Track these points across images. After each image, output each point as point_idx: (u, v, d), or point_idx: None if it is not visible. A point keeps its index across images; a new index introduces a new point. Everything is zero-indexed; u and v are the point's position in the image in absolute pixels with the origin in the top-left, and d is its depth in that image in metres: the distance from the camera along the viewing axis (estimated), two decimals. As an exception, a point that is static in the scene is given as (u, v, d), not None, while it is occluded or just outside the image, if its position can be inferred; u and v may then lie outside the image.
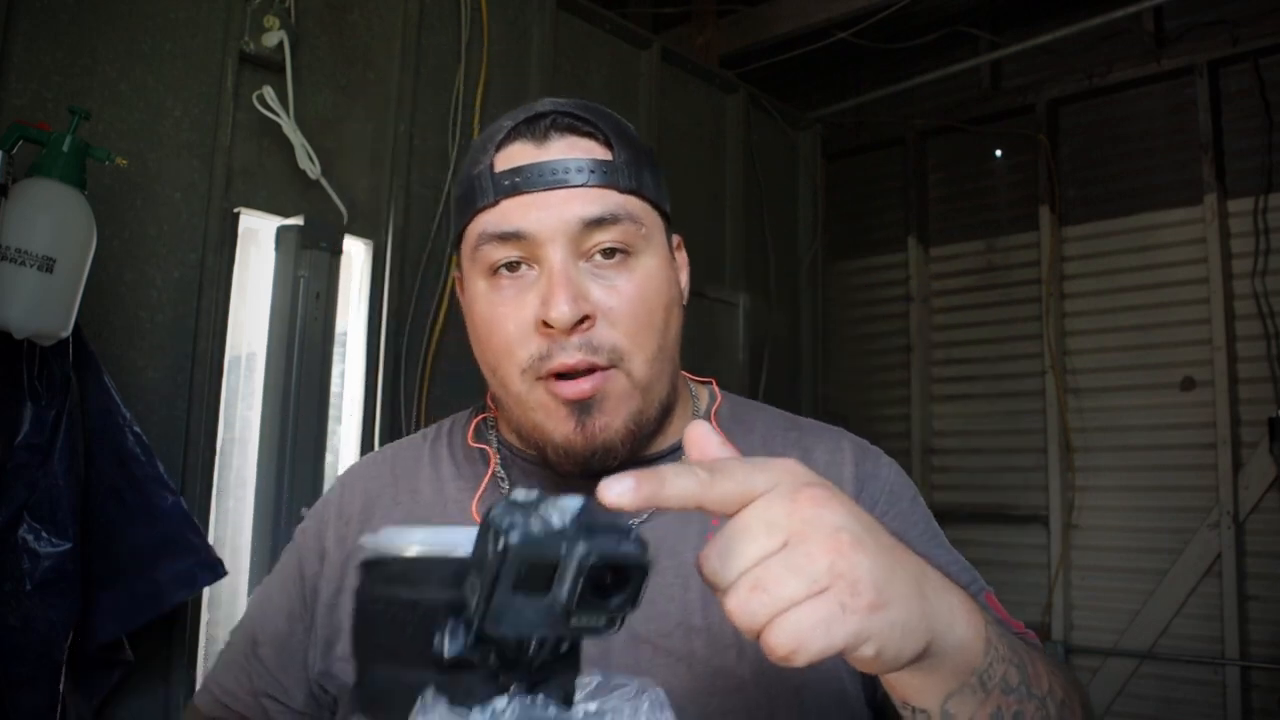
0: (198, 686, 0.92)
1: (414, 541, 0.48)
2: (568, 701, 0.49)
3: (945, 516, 0.97)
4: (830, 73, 4.42)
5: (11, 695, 1.53)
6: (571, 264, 0.76)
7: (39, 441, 1.58)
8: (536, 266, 0.77)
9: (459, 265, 0.85)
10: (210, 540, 1.87)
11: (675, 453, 0.87)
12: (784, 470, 0.50)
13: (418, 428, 2.27)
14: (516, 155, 0.78)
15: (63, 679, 1.59)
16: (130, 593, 1.70)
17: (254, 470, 2.03)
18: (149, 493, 1.73)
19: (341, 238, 2.11)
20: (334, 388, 2.14)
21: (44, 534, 1.57)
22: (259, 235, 2.11)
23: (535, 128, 0.78)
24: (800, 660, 0.46)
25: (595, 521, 0.44)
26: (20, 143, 1.55)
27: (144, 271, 1.90)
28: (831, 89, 4.44)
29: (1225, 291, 3.42)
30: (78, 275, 1.56)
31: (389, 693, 0.48)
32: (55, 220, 1.52)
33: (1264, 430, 3.28)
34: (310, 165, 2.07)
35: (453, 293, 2.41)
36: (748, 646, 0.74)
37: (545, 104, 0.80)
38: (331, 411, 2.11)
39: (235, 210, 2.04)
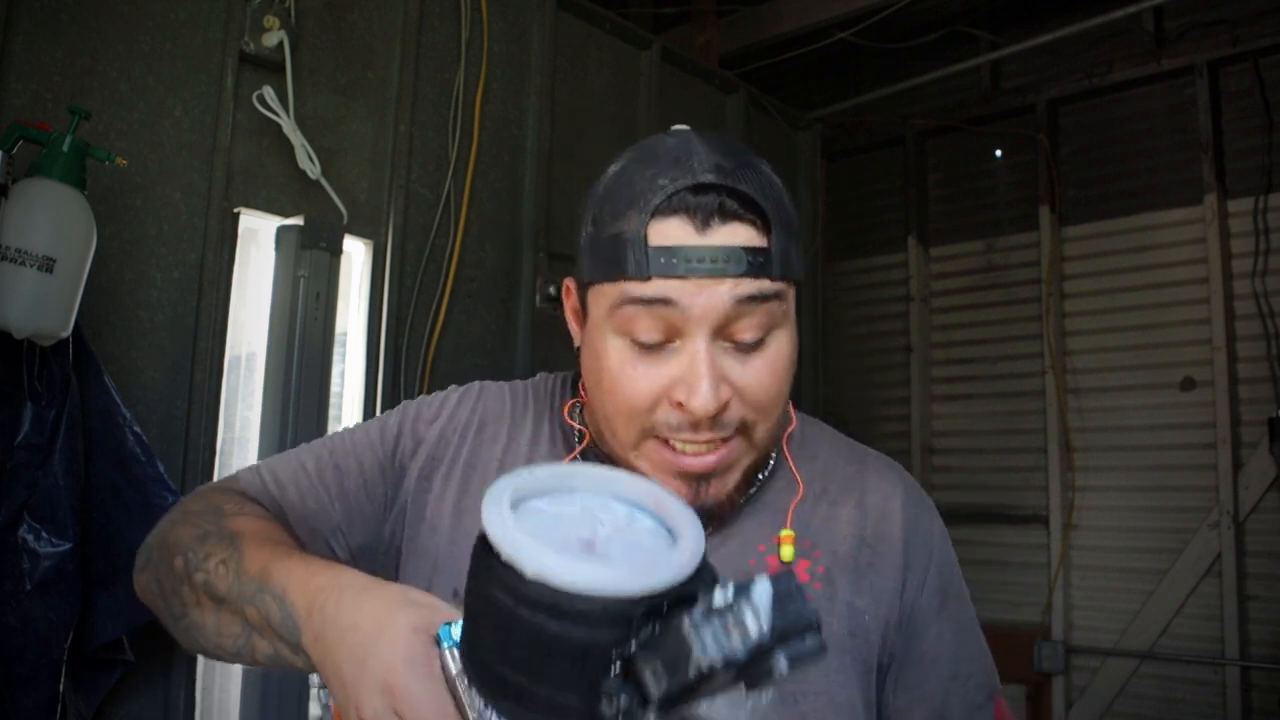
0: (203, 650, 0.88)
1: (580, 579, 0.46)
2: None
3: (945, 517, 1.00)
4: (830, 73, 4.42)
5: (11, 695, 1.53)
6: (715, 347, 0.76)
7: (39, 441, 1.58)
8: (678, 340, 0.77)
9: (581, 299, 0.83)
10: (210, 540, 1.87)
11: (758, 485, 0.89)
12: None
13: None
14: (674, 233, 0.75)
15: (62, 678, 1.59)
16: (130, 593, 1.68)
17: (254, 470, 2.02)
18: (149, 493, 1.73)
19: (341, 238, 2.11)
20: (334, 388, 2.14)
21: (44, 534, 1.57)
22: (259, 235, 2.12)
23: (698, 209, 0.75)
24: None
25: (786, 613, 0.45)
26: (20, 143, 1.55)
27: (144, 271, 1.90)
28: (831, 89, 4.44)
29: (1225, 291, 3.42)
30: (78, 275, 1.56)
31: (531, 698, 0.48)
32: (55, 220, 1.52)
33: (1264, 430, 3.28)
34: (310, 165, 2.07)
35: (453, 293, 2.41)
36: None
37: (707, 171, 0.75)
38: (331, 411, 2.11)
39: (235, 210, 2.04)
